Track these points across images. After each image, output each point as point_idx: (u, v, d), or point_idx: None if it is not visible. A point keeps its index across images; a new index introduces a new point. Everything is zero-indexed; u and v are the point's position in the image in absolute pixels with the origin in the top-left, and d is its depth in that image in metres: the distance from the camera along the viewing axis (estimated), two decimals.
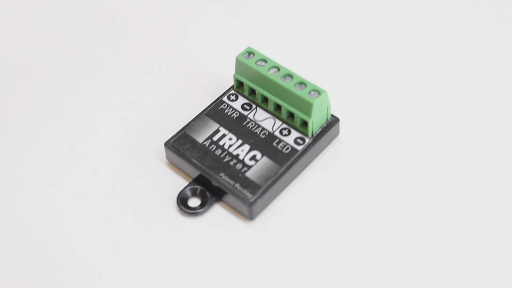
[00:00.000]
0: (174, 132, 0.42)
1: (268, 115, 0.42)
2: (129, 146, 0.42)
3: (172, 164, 0.42)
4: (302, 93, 0.40)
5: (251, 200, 0.39)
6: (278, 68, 0.41)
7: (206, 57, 0.47)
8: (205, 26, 0.49)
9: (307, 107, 0.40)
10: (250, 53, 0.42)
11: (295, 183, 0.41)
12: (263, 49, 0.45)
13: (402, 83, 0.45)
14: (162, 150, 0.42)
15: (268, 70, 0.41)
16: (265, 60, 0.41)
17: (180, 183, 0.41)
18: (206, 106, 0.43)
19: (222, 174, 0.40)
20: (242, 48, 0.46)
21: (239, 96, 0.43)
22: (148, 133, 0.43)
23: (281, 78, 0.41)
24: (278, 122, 0.41)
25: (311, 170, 0.41)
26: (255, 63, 0.41)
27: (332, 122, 0.41)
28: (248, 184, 0.39)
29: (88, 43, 0.48)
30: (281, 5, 0.50)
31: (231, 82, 0.45)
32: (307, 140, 0.41)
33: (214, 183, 0.39)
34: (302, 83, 0.40)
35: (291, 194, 0.40)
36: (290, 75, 0.41)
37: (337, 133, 0.42)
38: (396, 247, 0.38)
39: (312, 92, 0.40)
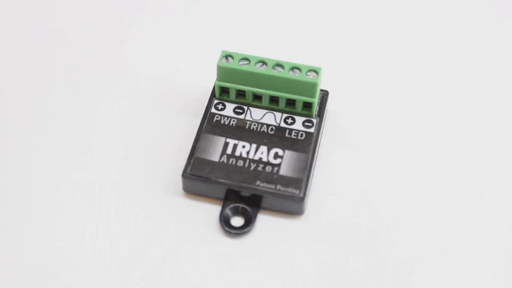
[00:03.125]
0: (171, 162, 0.40)
1: (264, 111, 0.41)
2: (136, 191, 0.39)
3: (190, 193, 0.39)
4: (300, 77, 0.39)
5: (301, 195, 0.38)
6: (263, 62, 0.40)
7: (161, 75, 0.44)
8: (148, 43, 0.46)
9: (310, 89, 0.40)
10: (227, 56, 0.40)
11: (318, 164, 0.40)
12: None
13: (370, 46, 0.46)
14: (173, 183, 0.40)
15: (255, 66, 0.40)
16: (246, 59, 0.40)
17: (209, 208, 0.39)
18: (198, 125, 0.41)
19: (258, 182, 0.38)
20: (196, 59, 0.44)
21: (226, 103, 0.41)
22: (146, 171, 0.40)
23: (271, 69, 0.40)
24: (278, 114, 0.41)
25: (324, 148, 0.41)
26: (238, 64, 0.40)
27: (324, 96, 0.42)
28: (289, 182, 0.38)
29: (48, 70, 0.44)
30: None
31: (197, 94, 0.43)
32: (314, 120, 0.40)
33: (251, 194, 0.38)
34: (295, 68, 0.40)
35: (321, 175, 0.40)
36: (279, 65, 0.40)
37: (327, 105, 0.42)
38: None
39: (308, 73, 0.40)
